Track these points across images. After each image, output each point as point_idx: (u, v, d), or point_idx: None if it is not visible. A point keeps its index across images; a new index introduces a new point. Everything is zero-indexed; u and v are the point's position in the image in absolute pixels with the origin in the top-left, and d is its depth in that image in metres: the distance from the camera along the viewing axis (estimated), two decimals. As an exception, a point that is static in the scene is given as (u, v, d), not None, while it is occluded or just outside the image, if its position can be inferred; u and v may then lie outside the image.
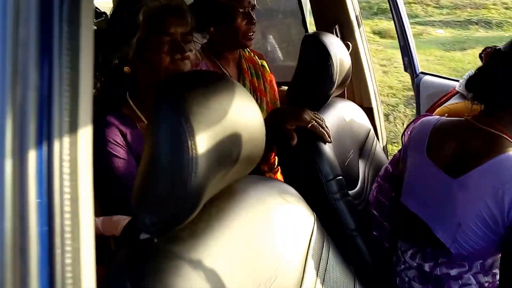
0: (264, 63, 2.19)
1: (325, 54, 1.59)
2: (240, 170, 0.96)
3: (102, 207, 1.31)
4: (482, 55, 1.52)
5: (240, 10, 1.87)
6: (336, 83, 1.63)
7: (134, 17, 1.33)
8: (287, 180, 1.38)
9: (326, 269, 1.14)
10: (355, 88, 2.30)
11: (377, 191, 1.67)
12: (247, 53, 2.14)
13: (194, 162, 0.74)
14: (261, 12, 2.22)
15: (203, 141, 0.76)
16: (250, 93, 1.99)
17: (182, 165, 0.73)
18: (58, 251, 0.54)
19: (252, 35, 1.92)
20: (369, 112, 2.26)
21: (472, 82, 1.37)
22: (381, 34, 9.37)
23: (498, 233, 1.26)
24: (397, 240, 1.54)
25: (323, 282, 1.12)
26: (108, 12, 2.20)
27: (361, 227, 1.53)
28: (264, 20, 2.90)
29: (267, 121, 1.62)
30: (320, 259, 1.13)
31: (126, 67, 1.37)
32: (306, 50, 1.66)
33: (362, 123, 1.95)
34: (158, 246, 0.79)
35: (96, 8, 2.37)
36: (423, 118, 1.55)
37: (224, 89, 0.87)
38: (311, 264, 1.10)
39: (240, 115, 0.89)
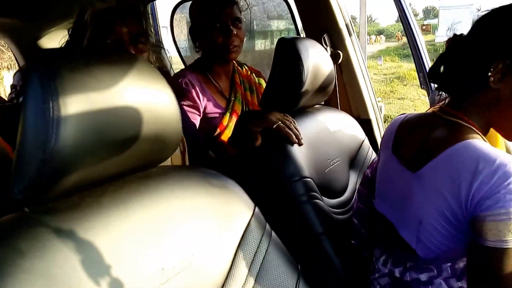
0: (262, 81, 2.21)
1: (295, 56, 1.56)
2: (150, 152, 0.93)
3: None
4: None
5: (217, 24, 1.88)
6: (308, 87, 1.59)
7: (82, 18, 1.36)
8: (252, 182, 1.33)
9: (262, 263, 1.07)
10: (351, 100, 2.23)
11: (357, 198, 1.59)
12: (243, 70, 2.16)
13: (55, 125, 0.71)
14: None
15: (70, 106, 0.73)
16: (242, 106, 2.00)
17: (42, 128, 0.71)
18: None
19: (234, 48, 1.91)
20: (367, 123, 2.18)
21: (435, 72, 1.29)
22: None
23: (463, 231, 1.15)
24: (373, 248, 1.45)
25: (256, 276, 1.05)
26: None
27: (331, 232, 1.46)
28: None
29: (236, 124, 1.61)
30: (256, 251, 1.07)
31: None
32: (278, 53, 1.63)
33: (352, 134, 1.88)
34: (27, 215, 0.77)
35: None
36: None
37: (117, 62, 0.85)
38: (242, 256, 1.04)
39: (141, 91, 0.86)
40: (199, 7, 1.94)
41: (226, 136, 1.93)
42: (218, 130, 1.92)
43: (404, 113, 1.46)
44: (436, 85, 1.32)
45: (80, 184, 0.82)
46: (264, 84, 2.20)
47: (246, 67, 2.19)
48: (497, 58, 1.11)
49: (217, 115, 1.96)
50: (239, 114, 1.99)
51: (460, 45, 1.23)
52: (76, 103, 0.74)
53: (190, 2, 2.02)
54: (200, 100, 1.92)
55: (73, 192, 0.82)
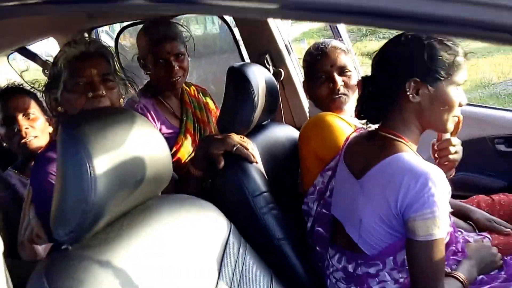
0: (209, 100, 2.51)
1: (246, 83, 1.84)
2: (150, 188, 1.21)
3: (47, 234, 1.55)
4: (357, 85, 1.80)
5: (161, 60, 2.18)
6: (259, 108, 1.88)
7: (57, 64, 1.62)
8: (217, 201, 1.60)
9: (242, 269, 1.37)
10: (293, 112, 2.57)
11: (318, 203, 1.87)
12: (191, 89, 2.44)
13: (93, 182, 0.98)
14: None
15: (101, 165, 1.00)
16: (194, 124, 2.32)
17: (83, 185, 0.98)
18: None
19: (177, 79, 2.21)
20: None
21: (360, 112, 1.64)
22: (370, 55, 9.64)
23: (397, 230, 1.49)
24: (328, 246, 1.76)
25: (239, 281, 1.35)
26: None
27: (288, 236, 1.76)
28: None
29: (198, 148, 1.88)
30: (236, 261, 1.36)
31: (59, 107, 1.66)
32: (230, 81, 1.92)
33: (296, 143, 2.17)
34: (72, 252, 1.03)
35: (47, 60, 2.68)
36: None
37: (123, 121, 1.12)
38: (226, 265, 1.33)
39: (141, 142, 1.14)
40: (144, 41, 2.23)
41: (182, 154, 2.20)
42: (174, 149, 2.17)
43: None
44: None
45: (105, 223, 1.08)
46: (210, 102, 2.50)
47: (193, 87, 2.46)
48: (406, 79, 1.47)
49: (172, 135, 2.22)
50: (192, 132, 2.28)
51: (370, 82, 1.59)
52: (104, 163, 1.01)
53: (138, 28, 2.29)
54: (155, 123, 2.18)
55: (100, 230, 1.09)
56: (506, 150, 2.46)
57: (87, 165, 0.98)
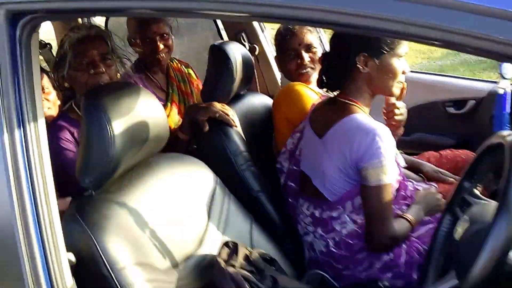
0: (190, 71, 2.77)
1: (226, 59, 2.13)
2: (151, 147, 1.51)
3: (58, 190, 1.84)
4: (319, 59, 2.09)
5: (148, 40, 2.43)
6: (237, 80, 2.17)
7: (63, 46, 1.90)
8: (203, 160, 1.88)
9: (227, 214, 1.69)
10: (267, 83, 2.88)
11: (289, 161, 2.18)
12: (175, 63, 2.71)
13: (112, 140, 1.28)
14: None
15: (117, 127, 1.30)
16: (179, 96, 2.58)
17: (104, 142, 1.28)
18: (42, 220, 1.12)
19: (162, 56, 2.47)
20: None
21: (320, 82, 1.98)
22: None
23: (353, 178, 1.80)
24: (298, 197, 2.07)
25: (225, 223, 1.67)
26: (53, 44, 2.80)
27: (264, 189, 2.08)
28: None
29: (185, 115, 2.18)
30: (222, 207, 1.68)
31: (66, 83, 1.94)
32: (212, 57, 2.20)
33: (270, 110, 2.47)
34: (96, 196, 1.34)
35: (41, 40, 2.91)
36: None
37: (131, 94, 1.42)
38: (214, 211, 1.65)
39: (146, 110, 1.43)
40: (132, 23, 2.49)
41: (168, 123, 2.46)
42: (162, 119, 2.45)
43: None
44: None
45: (119, 174, 1.39)
46: (192, 73, 2.77)
47: (176, 61, 2.72)
48: (356, 54, 1.78)
49: (159, 107, 2.49)
50: (177, 103, 2.55)
51: (328, 57, 1.92)
52: (119, 125, 1.31)
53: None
54: None
55: (115, 178, 1.39)
56: (455, 112, 2.82)
57: (108, 127, 1.28)
